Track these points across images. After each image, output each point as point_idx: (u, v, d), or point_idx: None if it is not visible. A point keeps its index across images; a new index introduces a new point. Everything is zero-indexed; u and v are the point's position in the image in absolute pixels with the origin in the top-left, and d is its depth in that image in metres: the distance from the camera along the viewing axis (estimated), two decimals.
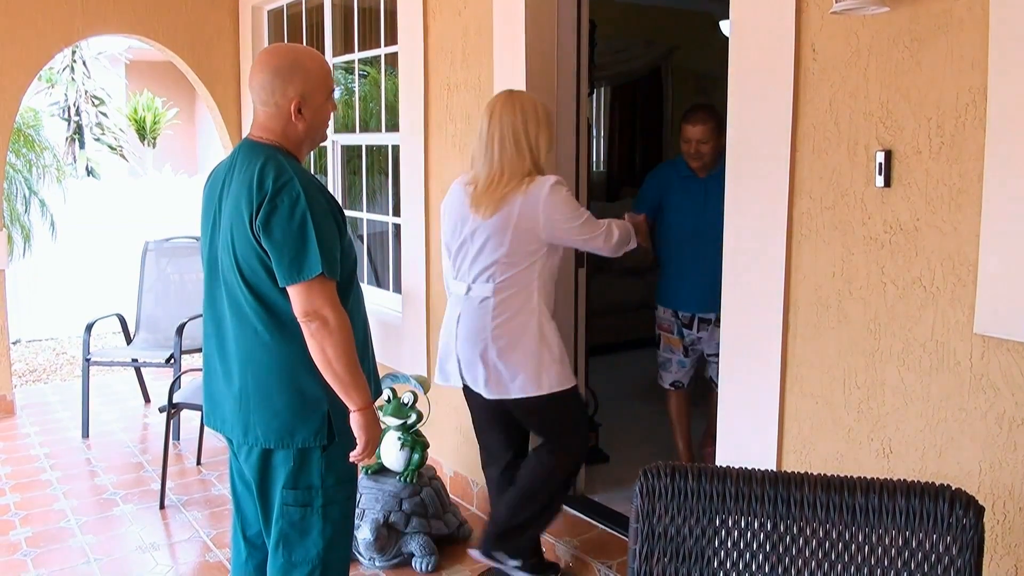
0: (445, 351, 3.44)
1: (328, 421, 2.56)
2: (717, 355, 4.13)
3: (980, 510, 1.68)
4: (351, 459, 2.59)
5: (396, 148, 4.99)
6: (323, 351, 2.43)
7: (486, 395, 3.30)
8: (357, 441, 2.55)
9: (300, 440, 2.55)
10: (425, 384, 4.03)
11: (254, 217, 2.41)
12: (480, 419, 3.57)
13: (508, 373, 3.24)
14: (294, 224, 2.39)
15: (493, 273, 3.22)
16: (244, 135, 6.88)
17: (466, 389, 3.44)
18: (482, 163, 3.27)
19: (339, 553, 2.69)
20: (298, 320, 2.43)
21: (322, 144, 5.78)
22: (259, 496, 2.67)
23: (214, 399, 2.71)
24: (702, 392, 4.45)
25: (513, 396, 3.27)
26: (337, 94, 5.89)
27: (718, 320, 3.44)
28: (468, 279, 3.30)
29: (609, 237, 3.29)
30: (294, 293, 2.42)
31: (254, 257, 2.45)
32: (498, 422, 3.51)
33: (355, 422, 2.52)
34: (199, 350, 5.82)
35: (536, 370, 3.23)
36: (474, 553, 3.62)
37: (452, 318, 3.38)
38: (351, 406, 2.51)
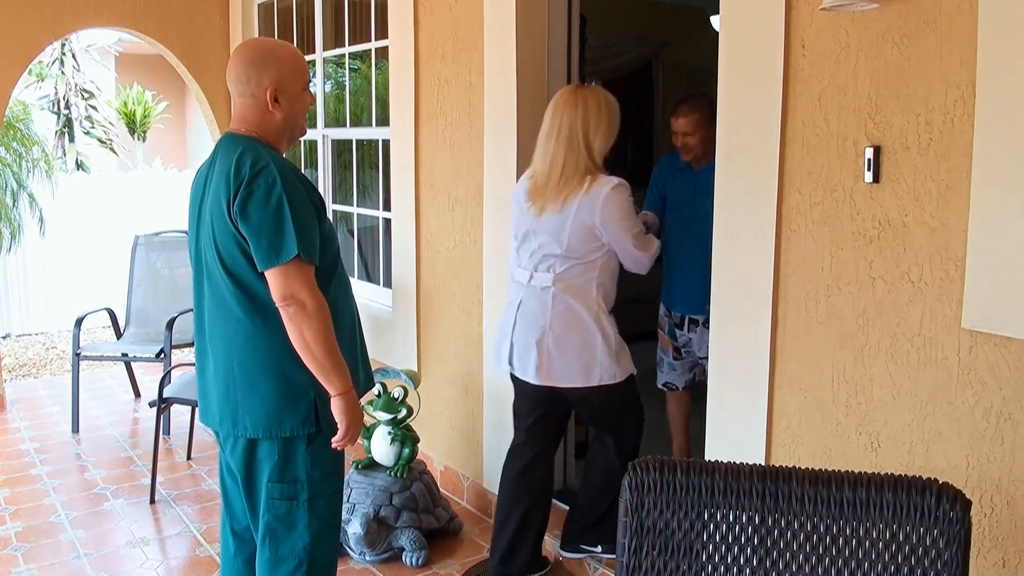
0: (501, 336, 3.49)
1: (315, 408, 2.56)
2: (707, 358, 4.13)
3: (967, 503, 1.69)
4: (333, 445, 2.59)
5: (387, 142, 4.98)
6: (301, 335, 2.44)
7: (535, 381, 3.33)
8: (338, 426, 2.55)
9: (288, 428, 2.55)
10: (415, 379, 4.04)
11: (232, 203, 2.42)
12: (524, 405, 3.59)
13: (560, 362, 3.28)
14: (270, 208, 2.40)
15: (553, 264, 3.27)
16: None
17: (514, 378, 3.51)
18: (541, 158, 3.32)
19: (326, 547, 2.70)
20: (276, 304, 2.44)
21: (313, 138, 5.79)
22: (245, 490, 2.67)
23: (205, 393, 2.71)
24: (702, 394, 4.43)
25: (562, 385, 3.31)
26: (328, 88, 5.89)
27: (707, 322, 3.48)
28: (530, 267, 3.35)
29: (653, 255, 3.37)
30: (271, 277, 2.43)
31: (233, 244, 2.46)
32: (542, 410, 3.53)
33: (336, 407, 2.52)
34: (190, 344, 5.83)
35: (588, 362, 3.26)
36: (565, 553, 3.75)
37: (513, 304, 3.43)
38: (331, 391, 2.51)
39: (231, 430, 2.61)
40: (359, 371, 2.67)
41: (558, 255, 3.25)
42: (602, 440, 3.57)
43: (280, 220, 2.40)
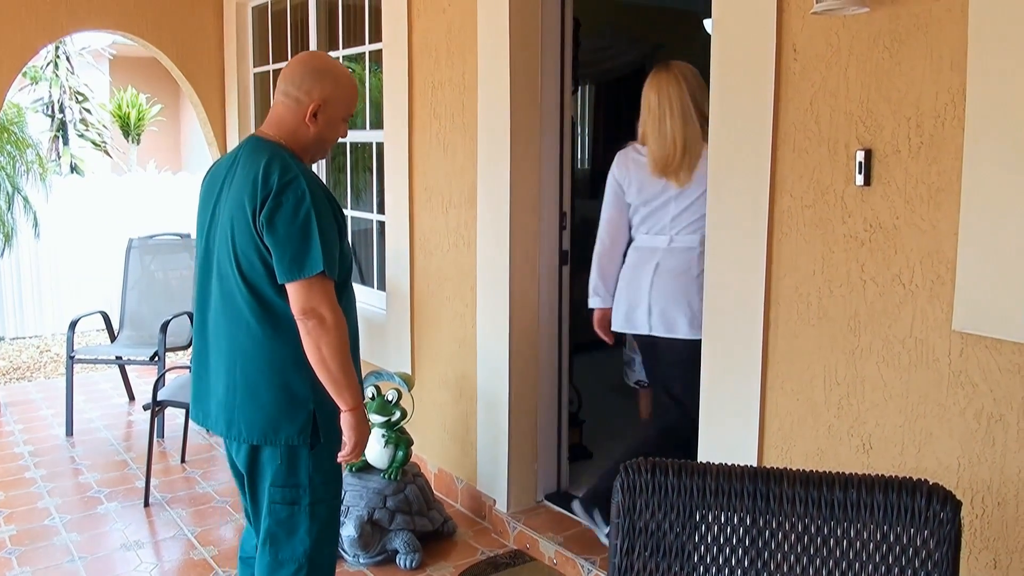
0: (634, 299, 3.59)
1: (313, 420, 2.56)
2: None
3: (957, 504, 1.70)
4: (339, 459, 2.60)
5: (380, 145, 4.99)
6: (319, 349, 2.45)
7: (688, 336, 3.45)
8: (345, 441, 2.56)
9: (284, 437, 2.55)
10: (409, 381, 4.04)
11: (258, 212, 2.43)
12: (662, 366, 3.69)
13: (699, 316, 3.38)
14: (298, 222, 2.42)
15: (699, 227, 3.41)
16: (227, 131, 6.86)
17: (646, 341, 3.62)
18: (658, 138, 3.47)
19: (326, 551, 2.70)
20: (296, 317, 2.45)
21: None
22: (249, 492, 2.69)
23: (200, 393, 2.71)
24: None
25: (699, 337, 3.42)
26: None
27: None
28: (671, 232, 3.51)
29: None
30: (293, 290, 2.44)
31: (254, 252, 2.47)
32: (681, 371, 3.57)
33: (345, 422, 2.53)
34: (184, 347, 5.84)
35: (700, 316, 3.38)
36: (576, 508, 3.81)
37: (647, 269, 3.55)
38: (342, 405, 2.52)
39: (226, 433, 2.61)
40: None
41: (701, 217, 3.37)
42: (665, 406, 3.70)
43: (307, 235, 2.42)
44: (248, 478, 2.66)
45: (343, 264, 2.59)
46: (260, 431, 2.56)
